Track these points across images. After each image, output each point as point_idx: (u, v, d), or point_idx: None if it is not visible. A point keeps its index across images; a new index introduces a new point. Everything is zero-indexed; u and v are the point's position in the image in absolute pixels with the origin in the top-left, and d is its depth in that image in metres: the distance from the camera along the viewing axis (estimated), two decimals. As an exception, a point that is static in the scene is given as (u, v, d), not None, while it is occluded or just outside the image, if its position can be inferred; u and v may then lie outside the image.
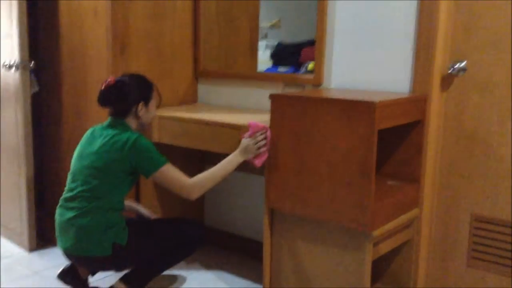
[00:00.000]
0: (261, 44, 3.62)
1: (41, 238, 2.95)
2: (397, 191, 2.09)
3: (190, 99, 2.91)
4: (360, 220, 1.85)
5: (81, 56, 2.69)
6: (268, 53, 3.64)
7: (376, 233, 1.88)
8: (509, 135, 2.03)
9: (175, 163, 2.79)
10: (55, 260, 2.74)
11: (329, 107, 1.89)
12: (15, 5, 2.64)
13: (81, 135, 2.73)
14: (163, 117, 2.44)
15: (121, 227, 2.06)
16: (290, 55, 3.51)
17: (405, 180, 2.18)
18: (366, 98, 1.89)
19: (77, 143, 2.76)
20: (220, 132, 2.28)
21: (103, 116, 2.58)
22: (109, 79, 2.12)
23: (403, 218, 2.06)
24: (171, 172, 2.06)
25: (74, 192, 2.06)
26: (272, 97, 2.07)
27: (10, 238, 3.00)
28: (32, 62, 2.71)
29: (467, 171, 2.14)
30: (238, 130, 2.22)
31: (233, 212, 2.92)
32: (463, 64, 2.10)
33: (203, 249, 2.92)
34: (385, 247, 2.03)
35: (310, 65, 3.13)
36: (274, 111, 2.06)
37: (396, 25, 2.20)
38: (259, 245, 2.55)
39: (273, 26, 3.87)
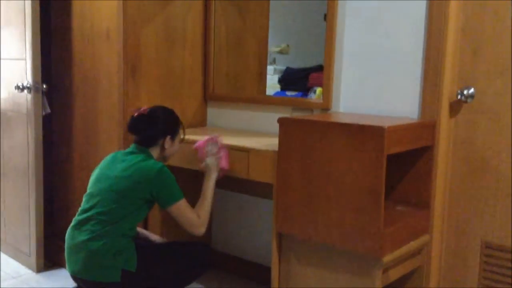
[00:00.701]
0: (270, 68, 3.65)
1: (49, 259, 2.95)
2: (406, 216, 2.08)
3: (199, 122, 2.92)
4: (369, 246, 1.84)
5: (93, 79, 2.72)
6: (276, 77, 3.67)
7: (386, 259, 1.86)
8: (519, 162, 2.02)
9: (182, 185, 2.80)
10: (62, 281, 2.74)
11: (338, 131, 1.90)
12: (28, 27, 2.70)
13: (91, 158, 2.77)
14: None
15: (130, 252, 2.04)
16: (298, 80, 3.54)
17: (414, 205, 2.16)
18: (375, 123, 1.89)
19: (87, 166, 2.80)
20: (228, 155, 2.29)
21: (114, 140, 2.61)
22: (142, 108, 2.18)
23: (413, 245, 2.04)
24: (185, 209, 2.09)
25: (89, 213, 2.05)
26: (281, 120, 2.08)
27: (18, 258, 3.00)
28: (44, 85, 2.75)
29: (477, 197, 2.13)
30: (246, 152, 2.22)
31: (241, 236, 2.91)
32: (471, 90, 2.10)
33: (209, 273, 2.90)
34: (394, 274, 2.00)
35: (318, 90, 3.15)
36: (282, 135, 2.06)
37: (404, 50, 2.21)
38: (267, 270, 2.53)
39: (281, 51, 3.92)
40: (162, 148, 2.18)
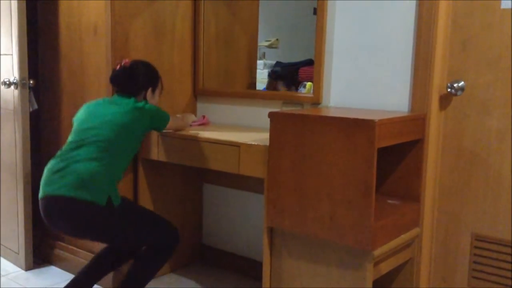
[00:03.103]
0: (259, 63, 3.64)
1: (38, 257, 2.92)
2: (397, 210, 2.09)
3: (190, 116, 2.91)
4: (360, 239, 1.84)
5: (81, 74, 2.70)
6: (266, 72, 3.67)
7: (377, 252, 1.86)
8: (508, 154, 2.04)
9: (173, 180, 2.79)
10: (52, 279, 2.71)
11: (328, 125, 1.90)
12: (15, 22, 2.66)
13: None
14: (162, 134, 2.44)
15: (117, 188, 2.10)
16: (288, 75, 3.54)
17: (405, 198, 2.17)
18: (365, 116, 1.89)
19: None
20: (218, 149, 2.28)
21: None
22: (124, 61, 2.28)
23: (404, 238, 2.05)
24: (173, 120, 2.36)
25: (83, 142, 2.07)
26: (271, 115, 2.07)
27: (6, 256, 2.97)
28: (31, 81, 2.72)
29: (467, 190, 2.14)
30: (237, 147, 2.21)
31: (232, 231, 2.90)
32: (461, 83, 2.11)
33: (201, 268, 2.90)
34: (386, 267, 2.01)
35: (308, 85, 3.15)
36: (273, 129, 2.05)
37: (394, 44, 2.21)
38: (258, 265, 2.53)
39: (271, 46, 3.91)
40: (144, 99, 2.29)
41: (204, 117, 2.71)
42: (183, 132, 2.41)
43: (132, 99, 2.21)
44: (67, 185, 1.98)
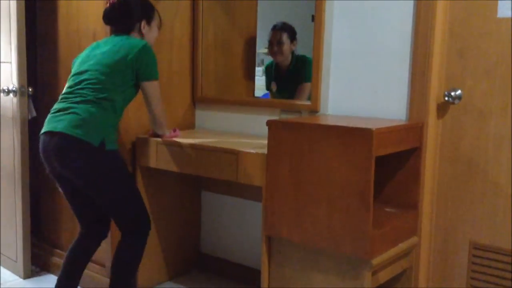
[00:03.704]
0: (258, 70, 3.65)
1: (36, 265, 2.92)
2: (395, 218, 2.09)
3: (188, 124, 2.91)
4: (358, 248, 1.84)
5: (79, 82, 2.70)
6: (264, 79, 3.67)
7: (375, 261, 1.86)
8: (506, 163, 2.04)
9: (171, 188, 2.79)
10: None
11: (326, 133, 1.90)
12: (14, 29, 2.67)
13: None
14: (160, 142, 2.44)
15: (114, 134, 2.09)
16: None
17: (403, 206, 2.17)
18: (363, 125, 1.89)
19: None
20: (217, 157, 2.28)
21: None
22: None
23: (402, 246, 2.04)
24: (159, 90, 2.20)
25: (78, 86, 2.07)
26: (269, 123, 2.07)
27: (4, 264, 2.96)
28: (30, 88, 2.72)
29: (465, 199, 2.14)
30: (235, 155, 2.22)
31: (230, 239, 2.90)
32: (458, 92, 2.11)
33: (199, 276, 2.89)
34: (384, 276, 2.01)
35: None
36: (271, 138, 2.06)
37: (391, 53, 2.22)
38: (256, 273, 2.53)
39: (270, 52, 3.91)
40: (140, 34, 2.24)
41: (175, 130, 2.51)
42: (181, 140, 2.40)
43: (124, 36, 2.17)
44: (64, 123, 2.00)
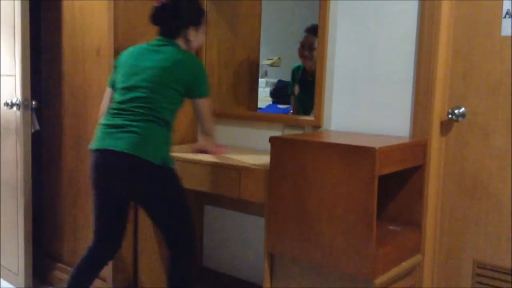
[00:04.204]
0: (261, 81, 3.65)
1: (38, 278, 2.91)
2: (398, 236, 2.07)
3: (190, 139, 2.91)
4: (361, 268, 1.82)
5: (83, 95, 2.71)
6: (268, 90, 3.67)
7: (378, 280, 1.85)
8: (509, 181, 2.02)
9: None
10: (50, 301, 2.70)
11: (329, 151, 1.89)
12: (18, 43, 2.67)
13: (81, 176, 2.74)
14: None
15: (170, 152, 2.08)
16: (289, 93, 3.54)
17: (406, 224, 2.16)
18: (366, 143, 1.89)
19: (77, 183, 2.78)
20: (219, 173, 2.27)
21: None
22: None
23: (405, 265, 2.03)
24: (210, 105, 2.18)
25: (129, 104, 2.03)
26: (272, 140, 2.07)
27: (6, 277, 2.95)
28: (34, 102, 2.73)
29: (469, 217, 2.13)
30: (238, 171, 2.21)
31: (233, 253, 2.88)
32: (462, 109, 2.11)
33: (201, 291, 2.87)
34: (386, 295, 1.99)
35: (309, 103, 3.14)
36: (274, 154, 2.05)
37: (395, 69, 2.22)
38: (258, 289, 2.51)
39: (273, 64, 3.93)
40: (187, 40, 2.16)
41: (221, 145, 2.50)
42: (183, 155, 2.40)
43: (172, 46, 2.10)
44: (125, 142, 1.97)
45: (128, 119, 2.02)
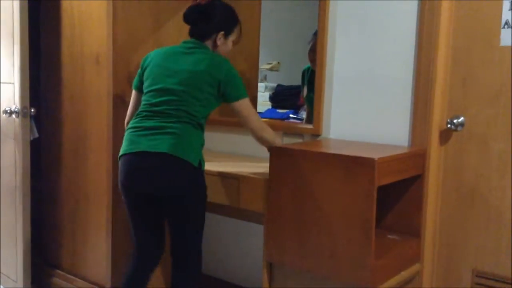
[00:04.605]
0: (261, 85, 3.65)
1: (37, 285, 2.90)
2: (397, 245, 2.08)
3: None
4: (360, 277, 1.83)
5: (82, 104, 2.70)
6: (267, 95, 3.67)
7: (377, 291, 1.85)
8: (509, 190, 2.03)
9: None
10: (49, 309, 2.70)
11: (329, 162, 1.90)
12: (17, 51, 2.67)
13: (80, 183, 2.74)
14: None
15: (202, 156, 2.06)
16: (289, 98, 3.54)
17: (405, 234, 2.16)
18: (365, 153, 1.89)
19: (76, 190, 2.77)
20: (218, 182, 2.27)
21: (103, 165, 2.59)
22: None
23: (404, 275, 2.03)
24: (251, 107, 2.10)
25: (163, 106, 2.01)
26: (272, 149, 2.07)
27: (5, 284, 2.95)
28: (33, 109, 2.72)
29: (468, 226, 2.13)
30: (237, 180, 2.21)
31: (232, 260, 2.88)
32: (461, 119, 2.11)
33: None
34: (386, 304, 1.99)
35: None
36: (273, 164, 2.06)
37: (394, 78, 2.22)
38: (257, 297, 2.51)
39: (272, 68, 3.93)
40: (214, 44, 2.14)
41: None
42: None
43: (204, 48, 2.09)
44: (164, 142, 1.96)
45: (163, 121, 1.99)
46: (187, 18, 2.15)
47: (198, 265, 2.18)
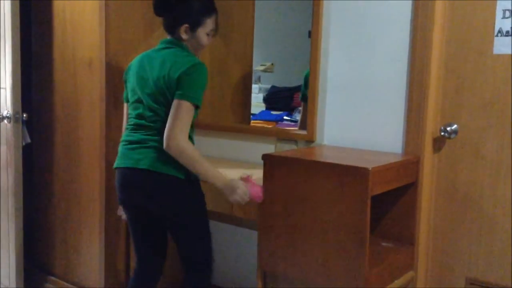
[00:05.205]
0: (255, 87, 3.64)
1: (28, 291, 2.90)
2: (391, 253, 2.07)
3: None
4: (354, 287, 1.82)
5: (75, 107, 2.69)
6: (261, 96, 3.67)
7: (370, 300, 1.85)
8: (502, 198, 2.03)
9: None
10: (42, 315, 2.68)
11: (322, 171, 1.89)
12: (8, 56, 2.65)
13: (72, 188, 2.73)
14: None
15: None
16: (283, 99, 3.54)
17: (399, 241, 2.16)
18: (359, 162, 1.88)
19: (68, 196, 2.76)
20: (211, 189, 2.25)
21: (95, 170, 2.58)
22: None
23: (398, 283, 2.03)
24: (185, 114, 1.81)
25: (141, 119, 1.93)
26: (265, 157, 2.06)
27: (-4, 290, 2.94)
28: (25, 114, 2.70)
29: (461, 234, 2.14)
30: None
31: (226, 266, 2.88)
32: (454, 127, 2.11)
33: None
34: (379, 313, 1.99)
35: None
36: (266, 172, 2.04)
37: (387, 85, 2.22)
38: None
39: (266, 70, 3.92)
40: (181, 39, 1.93)
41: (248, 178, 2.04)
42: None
43: (174, 49, 1.91)
44: (146, 158, 1.88)
45: (145, 133, 1.93)
46: (154, 9, 1.96)
47: (204, 274, 2.09)
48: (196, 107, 1.86)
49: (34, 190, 2.98)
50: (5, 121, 2.70)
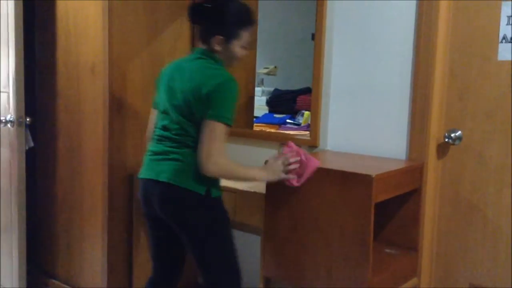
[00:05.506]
0: (258, 90, 3.64)
1: (31, 295, 2.90)
2: (395, 260, 2.07)
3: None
4: (357, 294, 1.82)
5: (78, 112, 2.69)
6: (264, 99, 3.67)
7: (374, 308, 1.85)
8: (506, 205, 2.02)
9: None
10: (45, 320, 2.68)
11: (326, 177, 1.88)
12: (12, 60, 2.65)
13: (75, 193, 2.73)
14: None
15: (218, 180, 1.87)
16: (286, 102, 3.53)
17: (402, 248, 2.15)
18: (363, 169, 1.88)
19: (71, 200, 2.76)
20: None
21: (99, 175, 2.58)
22: None
23: (401, 290, 2.03)
24: (219, 135, 1.75)
25: (167, 130, 1.87)
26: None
27: (-1, 294, 2.94)
28: (28, 118, 2.70)
29: (465, 240, 2.13)
30: (234, 193, 2.20)
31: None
32: (458, 133, 2.10)
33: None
34: (383, 320, 1.99)
35: (306, 114, 3.13)
36: (270, 178, 2.04)
37: (391, 90, 2.21)
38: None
39: (269, 73, 3.92)
40: (214, 51, 1.85)
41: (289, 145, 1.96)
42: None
43: (207, 61, 1.83)
44: (167, 171, 1.83)
45: (168, 145, 1.87)
46: (189, 16, 1.88)
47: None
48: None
49: (37, 194, 2.98)
50: (9, 125, 2.70)
